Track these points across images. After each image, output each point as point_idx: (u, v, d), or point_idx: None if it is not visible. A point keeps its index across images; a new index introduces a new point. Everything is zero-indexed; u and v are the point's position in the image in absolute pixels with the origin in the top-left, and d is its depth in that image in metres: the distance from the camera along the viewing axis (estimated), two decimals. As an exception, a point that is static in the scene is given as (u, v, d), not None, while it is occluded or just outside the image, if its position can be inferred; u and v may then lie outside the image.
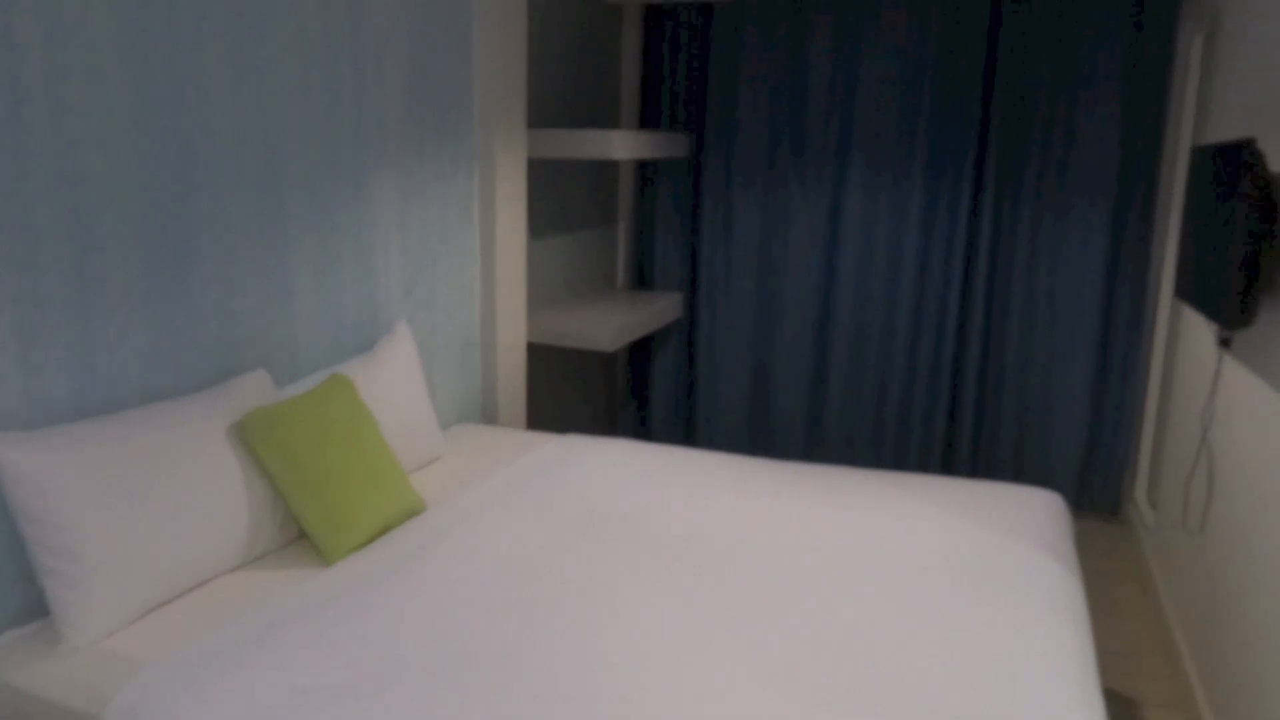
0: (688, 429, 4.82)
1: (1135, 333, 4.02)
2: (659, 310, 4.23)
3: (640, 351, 4.84)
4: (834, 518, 2.58)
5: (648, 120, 4.61)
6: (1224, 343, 2.79)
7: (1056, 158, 4.02)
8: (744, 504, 2.65)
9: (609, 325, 3.72)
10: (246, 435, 2.23)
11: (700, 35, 4.44)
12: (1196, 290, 2.62)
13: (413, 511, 2.53)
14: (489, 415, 3.59)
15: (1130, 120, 3.90)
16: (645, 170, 4.65)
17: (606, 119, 4.56)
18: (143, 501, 1.98)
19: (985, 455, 4.34)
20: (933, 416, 4.33)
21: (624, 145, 3.60)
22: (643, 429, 4.89)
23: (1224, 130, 3.08)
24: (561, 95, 4.06)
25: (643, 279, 4.76)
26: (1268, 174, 2.28)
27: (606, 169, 4.62)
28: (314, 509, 2.26)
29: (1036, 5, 3.93)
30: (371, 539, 2.37)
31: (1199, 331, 3.15)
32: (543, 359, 4.17)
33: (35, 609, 2.00)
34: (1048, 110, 4.00)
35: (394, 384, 2.84)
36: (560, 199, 4.15)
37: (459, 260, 3.37)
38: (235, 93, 2.36)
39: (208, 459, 2.14)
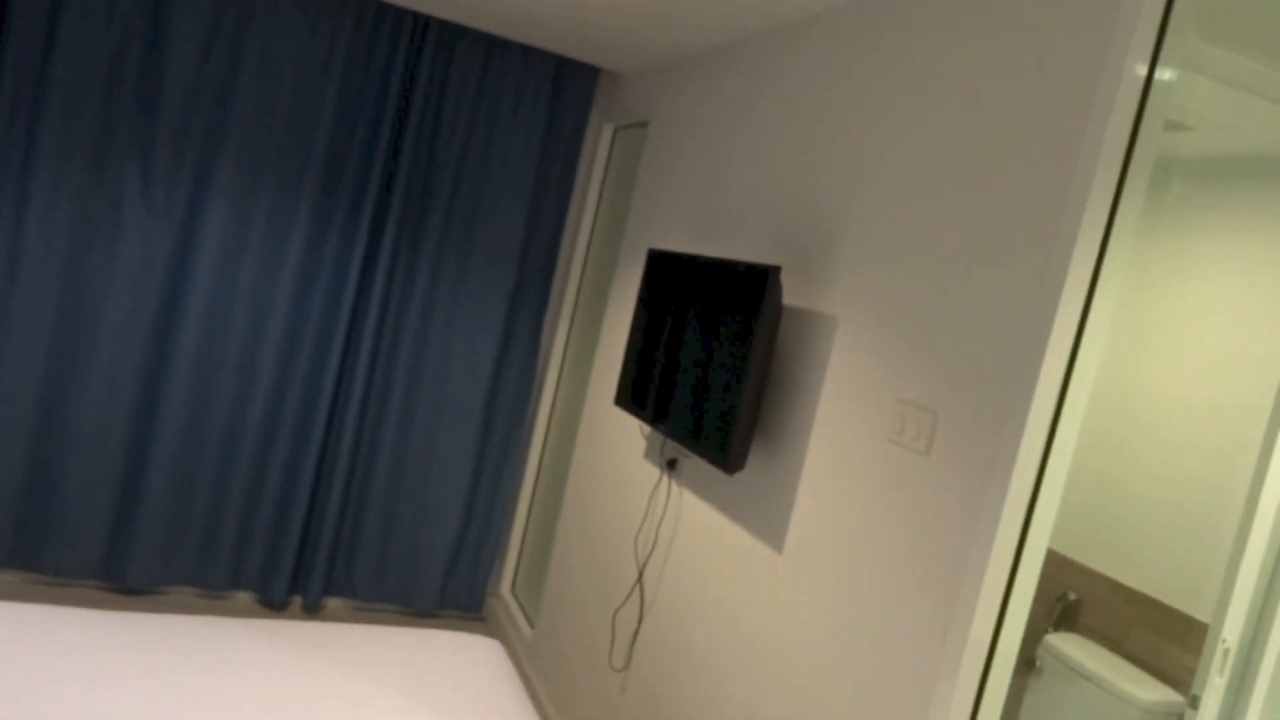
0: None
1: (518, 429, 3.76)
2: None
3: None
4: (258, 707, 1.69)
5: (-112, 35, 2.95)
6: (670, 464, 2.62)
7: (459, 232, 3.59)
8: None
9: None
10: None
11: (4, -64, 2.99)
12: (671, 416, 2.37)
13: None
14: None
15: (538, 205, 3.67)
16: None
17: None
18: None
19: (344, 559, 3.65)
20: (290, 498, 3.50)
21: None
22: None
23: (655, 236, 2.98)
24: None
25: None
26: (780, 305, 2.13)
27: None
28: None
29: (458, 60, 3.47)
30: None
31: (615, 445, 2.98)
32: None
33: None
34: (457, 169, 3.55)
35: None
36: None
37: None
38: None
39: None
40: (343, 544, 3.64)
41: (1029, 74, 1.59)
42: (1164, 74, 1.43)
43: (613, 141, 3.68)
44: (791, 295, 2.16)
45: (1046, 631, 2.75)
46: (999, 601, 1.50)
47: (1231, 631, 1.74)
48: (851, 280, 1.96)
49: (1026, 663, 2.81)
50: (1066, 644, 2.64)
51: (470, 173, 3.57)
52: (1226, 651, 1.75)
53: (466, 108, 3.52)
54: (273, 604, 3.53)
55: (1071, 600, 2.82)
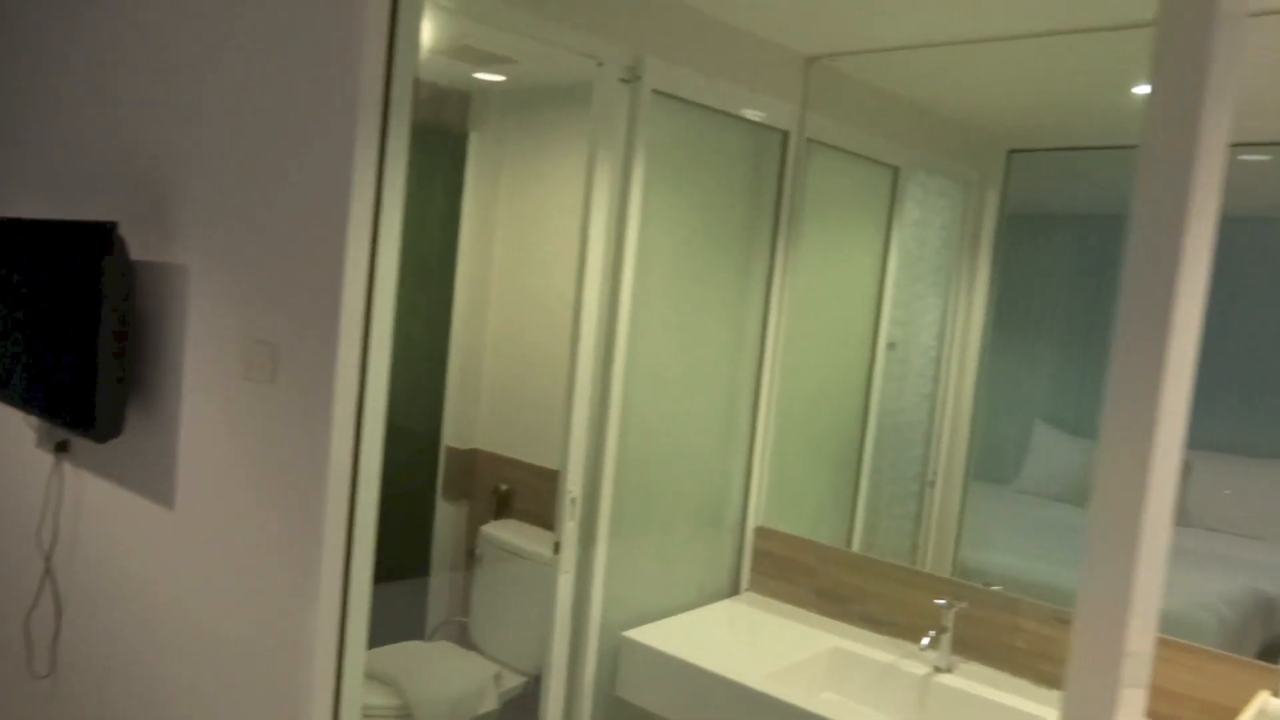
0: None
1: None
2: None
3: None
4: None
5: None
6: (61, 447, 2.42)
7: None
8: None
9: None
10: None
11: None
12: (36, 397, 2.19)
13: None
14: None
15: None
16: None
17: None
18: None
19: None
20: None
21: None
22: None
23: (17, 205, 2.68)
24: None
25: None
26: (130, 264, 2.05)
27: None
28: None
29: None
30: None
31: (1, 439, 2.67)
32: None
33: None
34: None
35: None
36: None
37: None
38: None
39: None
40: None
41: (302, 27, 1.69)
42: (407, 17, 1.61)
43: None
44: (141, 250, 2.09)
45: (485, 523, 3.06)
46: (348, 498, 1.65)
47: (574, 484, 2.10)
48: (195, 229, 1.95)
49: (469, 554, 3.11)
50: (500, 530, 2.96)
51: None
52: (573, 501, 2.10)
53: None
54: None
55: (504, 490, 3.16)
